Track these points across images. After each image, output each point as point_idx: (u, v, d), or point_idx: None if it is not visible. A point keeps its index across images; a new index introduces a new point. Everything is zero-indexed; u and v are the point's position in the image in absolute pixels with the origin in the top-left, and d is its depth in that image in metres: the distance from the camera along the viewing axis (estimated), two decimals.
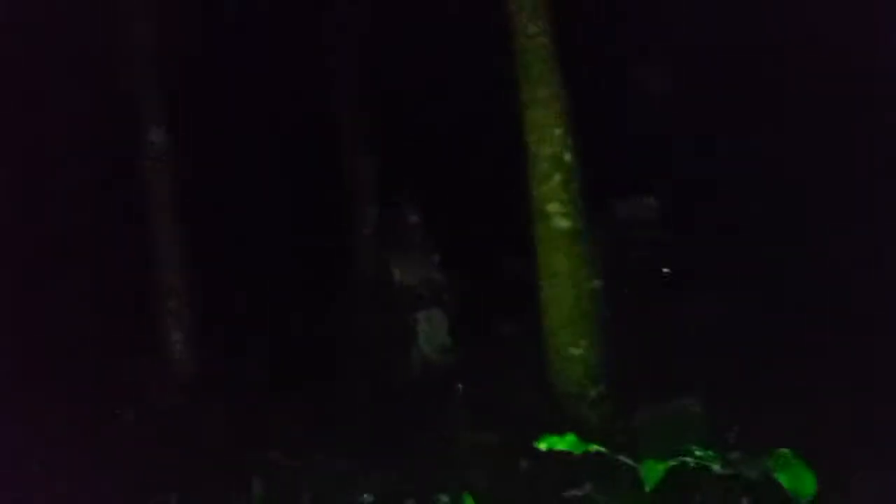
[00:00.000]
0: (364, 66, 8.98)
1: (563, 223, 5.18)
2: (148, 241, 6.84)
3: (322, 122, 9.41)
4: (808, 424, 3.70)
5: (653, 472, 2.53)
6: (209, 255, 8.23)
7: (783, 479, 2.33)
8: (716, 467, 2.46)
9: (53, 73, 9.15)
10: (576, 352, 4.96)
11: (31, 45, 8.80)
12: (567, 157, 5.25)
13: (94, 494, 3.95)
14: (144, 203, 6.86)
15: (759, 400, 4.24)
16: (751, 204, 7.53)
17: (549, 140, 5.24)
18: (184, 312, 6.65)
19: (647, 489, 2.60)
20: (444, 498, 3.36)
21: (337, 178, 8.98)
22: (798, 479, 2.30)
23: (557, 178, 5.21)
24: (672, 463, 2.53)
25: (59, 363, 6.90)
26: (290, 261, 9.21)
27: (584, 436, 2.85)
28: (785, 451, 2.37)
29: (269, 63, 9.61)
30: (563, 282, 5.10)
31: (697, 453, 2.48)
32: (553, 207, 5.19)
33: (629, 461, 2.76)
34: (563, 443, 2.85)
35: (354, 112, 8.96)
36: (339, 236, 8.75)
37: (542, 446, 2.87)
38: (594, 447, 2.78)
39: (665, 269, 6.68)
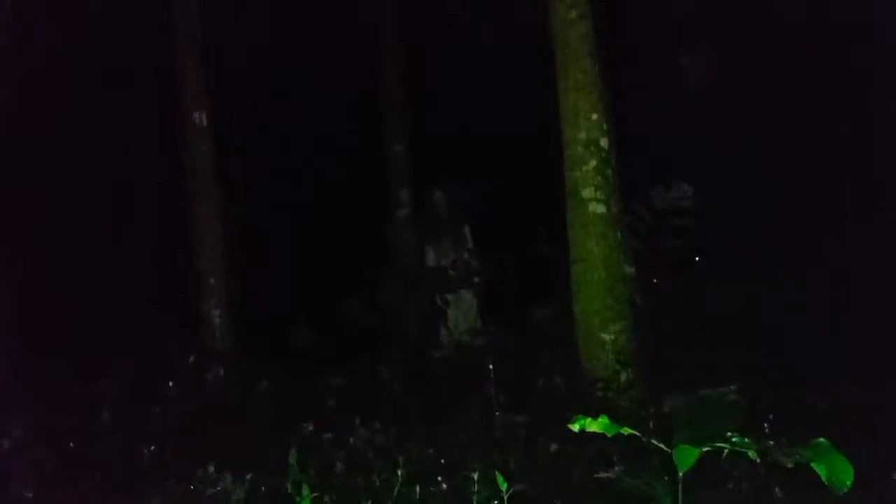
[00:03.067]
0: (399, 50, 9.00)
1: (598, 208, 5.19)
2: (190, 220, 6.98)
3: (358, 107, 9.49)
4: (847, 414, 3.70)
5: (687, 456, 2.56)
6: (250, 234, 8.41)
7: (820, 469, 2.34)
8: (751, 454, 2.48)
9: (97, 55, 9.36)
10: (606, 336, 4.99)
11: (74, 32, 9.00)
12: (603, 142, 5.25)
13: (137, 461, 4.10)
14: (187, 184, 6.99)
15: (795, 388, 4.24)
16: (787, 192, 7.47)
17: (585, 125, 5.24)
18: (224, 289, 6.78)
19: (680, 473, 2.64)
20: (476, 475, 3.43)
21: (373, 161, 9.06)
22: (835, 469, 2.31)
23: (593, 163, 5.21)
24: (706, 448, 2.56)
25: (108, 336, 7.13)
26: (328, 241, 9.36)
27: (615, 420, 2.89)
28: (822, 440, 2.39)
29: (309, 50, 9.71)
30: (596, 266, 5.12)
31: (733, 439, 2.50)
32: (588, 192, 5.20)
33: (662, 445, 2.80)
34: (596, 425, 2.89)
35: (390, 96, 9.00)
36: (375, 218, 8.85)
37: (575, 427, 2.91)
38: (627, 430, 2.82)
39: (698, 258, 6.65)
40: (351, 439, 4.36)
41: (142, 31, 9.42)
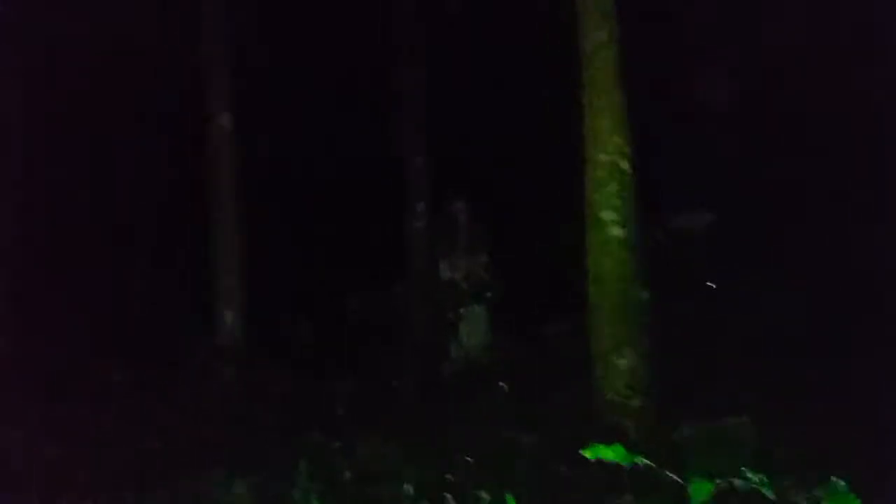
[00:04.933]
0: (420, 62, 9.04)
1: (616, 231, 5.18)
2: (209, 223, 7.03)
3: (378, 117, 9.53)
4: (865, 449, 3.65)
5: (701, 489, 2.56)
6: (265, 239, 8.45)
7: None
8: (766, 492, 2.47)
9: (125, 57, 9.46)
10: (620, 360, 4.96)
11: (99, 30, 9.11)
12: (624, 165, 5.25)
13: (147, 463, 4.12)
14: (206, 186, 7.04)
15: (812, 420, 4.19)
16: (806, 218, 7.43)
17: (606, 147, 5.24)
18: (238, 293, 6.82)
19: None
20: (485, 495, 3.42)
21: (390, 172, 9.09)
22: None
23: (613, 185, 5.21)
24: (721, 483, 2.55)
25: (118, 334, 7.18)
26: (342, 249, 9.38)
27: (626, 446, 2.88)
28: (839, 481, 2.38)
29: (329, 60, 9.78)
30: (612, 289, 5.11)
31: (748, 475, 2.49)
32: (607, 215, 5.20)
33: (675, 477, 2.79)
34: (611, 453, 2.89)
35: (410, 108, 9.04)
36: (391, 229, 8.87)
37: (589, 455, 2.91)
38: (641, 460, 2.82)
39: (714, 283, 6.62)
40: (359, 449, 4.36)
41: (168, 31, 9.52)
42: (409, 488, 3.75)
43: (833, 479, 2.39)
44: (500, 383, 4.94)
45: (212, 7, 7.06)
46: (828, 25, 7.57)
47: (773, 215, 7.52)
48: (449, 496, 3.75)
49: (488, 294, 7.66)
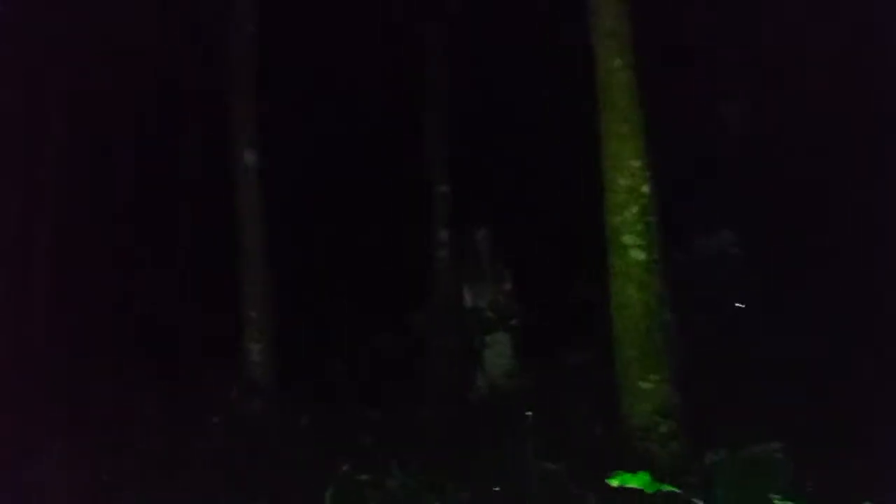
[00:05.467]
0: (444, 92, 9.15)
1: (639, 255, 5.16)
2: (235, 255, 7.12)
3: (399, 148, 9.63)
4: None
5: None
6: (292, 271, 8.55)
7: None
8: None
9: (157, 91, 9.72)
10: (646, 386, 4.91)
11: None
12: (644, 188, 5.24)
13: (175, 498, 4.15)
14: (233, 220, 7.15)
15: (844, 445, 4.10)
16: (833, 239, 7.33)
17: (626, 172, 5.25)
18: (265, 325, 6.88)
19: None
20: None
21: (415, 200, 9.16)
22: None
23: (634, 209, 5.20)
24: None
25: (150, 366, 7.29)
26: (367, 278, 9.45)
27: (653, 473, 2.85)
28: None
29: (354, 89, 9.94)
30: (636, 314, 5.07)
31: (778, 502, 2.45)
32: (628, 239, 5.18)
33: None
34: (636, 480, 2.86)
35: (432, 138, 9.12)
36: (415, 257, 8.92)
37: (615, 483, 2.88)
38: (668, 487, 2.79)
39: (740, 305, 6.54)
40: (387, 480, 4.36)
41: (196, 61, 9.75)
42: None
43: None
44: (527, 412, 4.89)
45: (238, 39, 7.19)
46: (849, 46, 7.55)
47: (796, 235, 7.44)
48: None
49: (513, 322, 7.63)
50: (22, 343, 8.08)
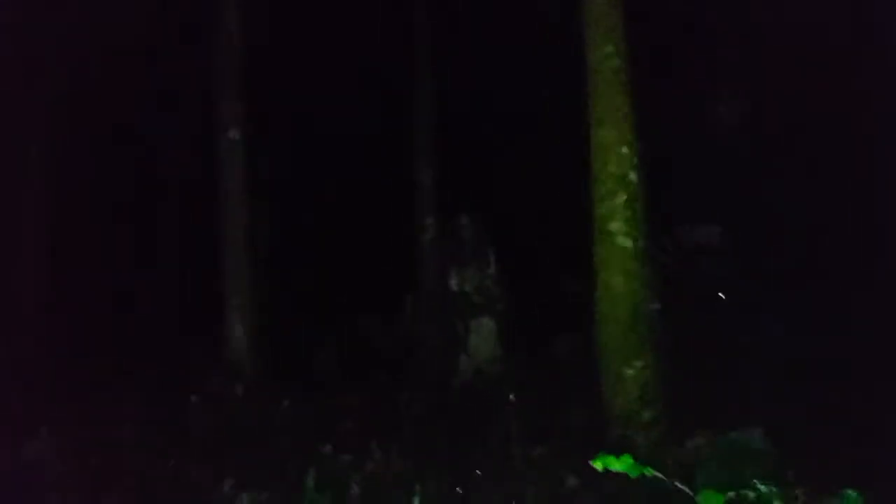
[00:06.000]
0: (431, 78, 9.09)
1: (625, 242, 5.17)
2: (218, 240, 7.06)
3: (387, 135, 9.58)
4: (878, 461, 3.60)
5: (711, 501, 2.53)
6: (274, 254, 8.51)
7: None
8: None
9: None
10: (629, 372, 4.94)
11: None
12: (632, 176, 5.24)
13: (158, 476, 4.13)
14: (216, 202, 7.08)
15: (824, 432, 4.15)
16: (816, 231, 7.40)
17: (614, 159, 5.24)
18: (247, 309, 6.83)
19: None
20: None
21: (399, 186, 9.12)
22: None
23: (621, 197, 5.20)
24: (731, 494, 2.53)
25: (131, 351, 7.23)
26: (353, 263, 9.41)
27: (636, 458, 2.85)
28: (851, 493, 2.35)
29: (340, 76, 9.87)
30: (621, 301, 5.08)
31: (760, 487, 2.47)
32: (615, 226, 5.18)
33: (685, 488, 2.76)
34: (619, 464, 2.86)
35: (417, 124, 9.08)
36: (401, 242, 8.89)
37: (598, 465, 2.88)
38: (650, 471, 2.79)
39: (723, 295, 6.59)
40: (368, 463, 4.35)
41: (183, 43, 9.63)
42: (417, 502, 3.73)
43: (845, 490, 2.36)
44: (510, 396, 4.90)
45: (225, 23, 7.11)
46: (841, 42, 7.57)
47: (782, 227, 7.50)
48: None
49: (498, 307, 7.64)
50: (8, 334, 8.00)
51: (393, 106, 9.46)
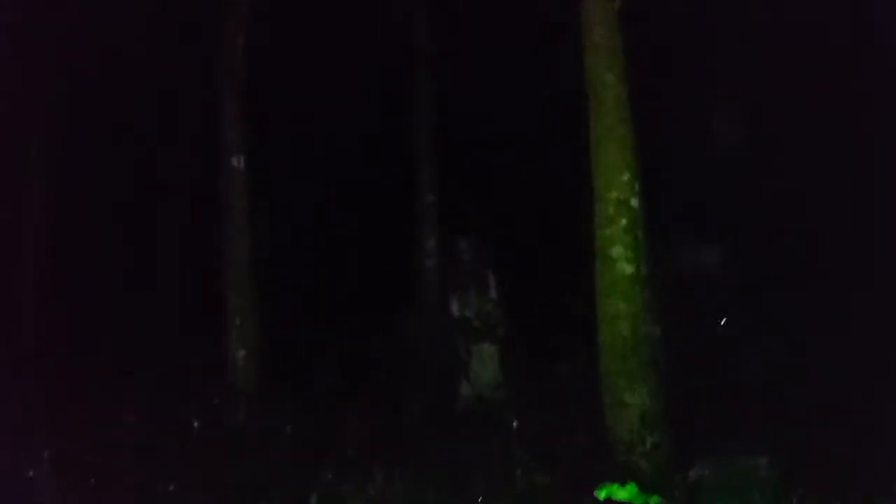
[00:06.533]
0: (432, 101, 9.16)
1: (626, 268, 5.18)
2: (221, 260, 7.07)
3: (388, 158, 9.64)
4: (883, 489, 3.58)
5: None
6: (278, 279, 8.52)
7: None
8: None
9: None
10: (631, 398, 4.92)
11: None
12: (633, 202, 5.27)
13: (158, 498, 4.11)
14: (219, 226, 7.10)
15: (828, 458, 4.12)
16: (817, 253, 7.40)
17: (616, 184, 5.27)
18: (249, 331, 6.83)
19: None
20: None
21: (401, 209, 9.16)
22: None
23: (623, 222, 5.22)
24: None
25: (132, 371, 7.21)
26: (354, 287, 9.42)
27: (639, 486, 2.84)
28: None
29: (341, 96, 9.94)
30: (622, 326, 5.08)
31: None
32: (616, 251, 5.20)
33: None
34: (624, 492, 2.85)
35: (418, 148, 9.13)
36: (403, 267, 8.90)
37: (601, 494, 2.87)
38: (656, 500, 2.78)
39: (725, 319, 6.58)
40: (371, 489, 4.33)
41: (183, 43, 9.70)
42: None
43: None
44: (513, 422, 4.89)
45: (226, 23, 7.16)
46: (843, 58, 7.61)
47: (785, 249, 7.51)
48: None
49: (499, 332, 7.62)
50: (9, 344, 7.99)
51: (397, 127, 9.52)
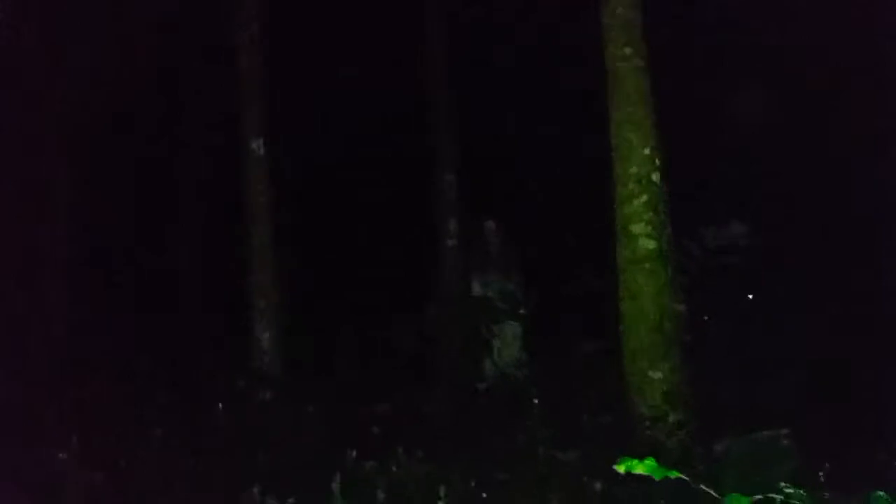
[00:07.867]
0: (451, 83, 9.11)
1: (648, 244, 5.14)
2: (244, 244, 7.15)
3: (410, 135, 9.62)
4: None
5: None
6: (301, 262, 8.60)
7: None
8: None
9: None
10: (655, 375, 4.90)
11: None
12: (654, 177, 5.21)
13: (184, 484, 4.19)
14: (243, 211, 7.17)
15: (852, 434, 4.08)
16: (842, 231, 7.28)
17: (636, 160, 5.22)
18: (274, 314, 6.90)
19: None
20: None
21: (422, 189, 9.15)
22: None
23: (644, 198, 5.17)
24: (758, 498, 2.49)
25: (158, 355, 7.34)
26: (376, 268, 9.46)
27: (661, 461, 2.83)
28: (881, 494, 2.30)
29: (361, 78, 9.93)
30: (645, 303, 5.05)
31: (787, 490, 2.43)
32: (638, 228, 5.16)
33: (711, 491, 2.73)
34: (643, 467, 2.82)
35: (442, 126, 9.10)
36: (424, 246, 8.91)
37: (621, 469, 2.85)
38: (675, 474, 2.76)
39: (750, 296, 6.51)
40: (394, 468, 4.37)
41: (205, 52, 9.78)
42: None
43: (874, 492, 2.32)
44: (534, 400, 4.89)
45: (248, 27, 7.20)
46: (864, 40, 7.43)
47: (809, 226, 7.39)
48: None
49: (522, 311, 7.62)
50: (34, 336, 8.16)
51: (417, 108, 9.50)
